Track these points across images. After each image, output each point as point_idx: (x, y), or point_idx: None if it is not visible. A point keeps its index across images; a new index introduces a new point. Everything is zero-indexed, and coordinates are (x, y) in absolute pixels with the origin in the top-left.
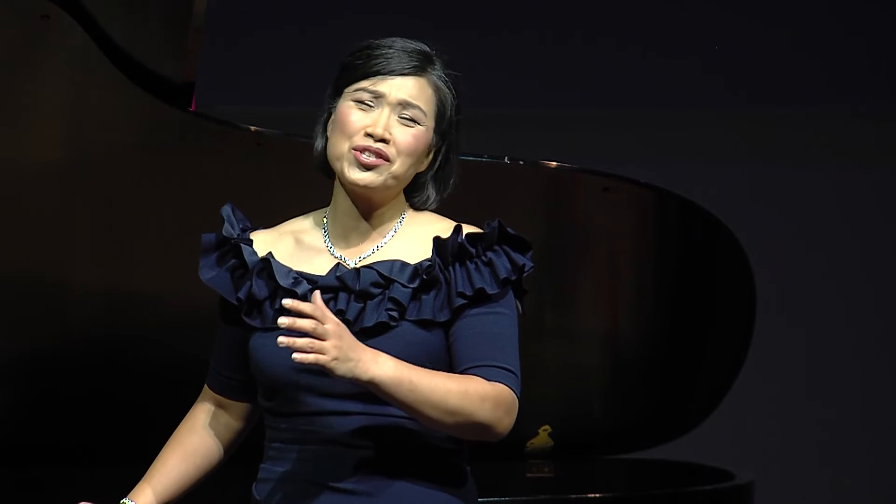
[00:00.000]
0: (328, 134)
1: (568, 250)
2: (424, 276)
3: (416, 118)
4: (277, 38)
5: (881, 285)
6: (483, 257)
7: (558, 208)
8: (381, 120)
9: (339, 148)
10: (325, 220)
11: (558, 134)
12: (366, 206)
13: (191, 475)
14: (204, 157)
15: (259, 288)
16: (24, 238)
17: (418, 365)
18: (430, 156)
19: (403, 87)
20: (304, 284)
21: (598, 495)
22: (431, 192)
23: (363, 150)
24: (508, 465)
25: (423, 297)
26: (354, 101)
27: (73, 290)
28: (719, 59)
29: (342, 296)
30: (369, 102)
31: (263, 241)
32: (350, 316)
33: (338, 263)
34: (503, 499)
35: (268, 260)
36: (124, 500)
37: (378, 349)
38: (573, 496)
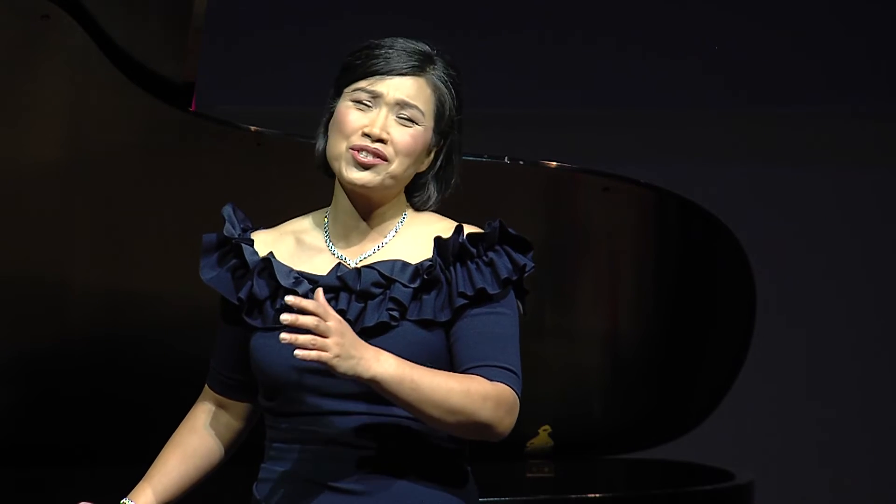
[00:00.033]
0: (328, 134)
1: (568, 250)
2: (425, 276)
3: (413, 118)
4: (277, 38)
5: (881, 285)
6: (484, 257)
7: (558, 208)
8: (378, 120)
9: (338, 148)
10: (325, 219)
11: (558, 134)
12: (365, 205)
13: (191, 475)
14: (204, 157)
15: (260, 288)
16: (24, 238)
17: (419, 364)
18: (431, 156)
19: (401, 87)
20: (304, 284)
21: (598, 495)
22: (432, 192)
23: (360, 149)
24: (508, 465)
25: (424, 296)
26: (353, 101)
27: (73, 290)
28: (719, 59)
29: (343, 295)
30: (367, 102)
31: (264, 241)
32: (351, 316)
33: (339, 263)
34: (503, 499)
35: (269, 260)
36: (124, 500)
37: (379, 349)
38: (573, 496)
